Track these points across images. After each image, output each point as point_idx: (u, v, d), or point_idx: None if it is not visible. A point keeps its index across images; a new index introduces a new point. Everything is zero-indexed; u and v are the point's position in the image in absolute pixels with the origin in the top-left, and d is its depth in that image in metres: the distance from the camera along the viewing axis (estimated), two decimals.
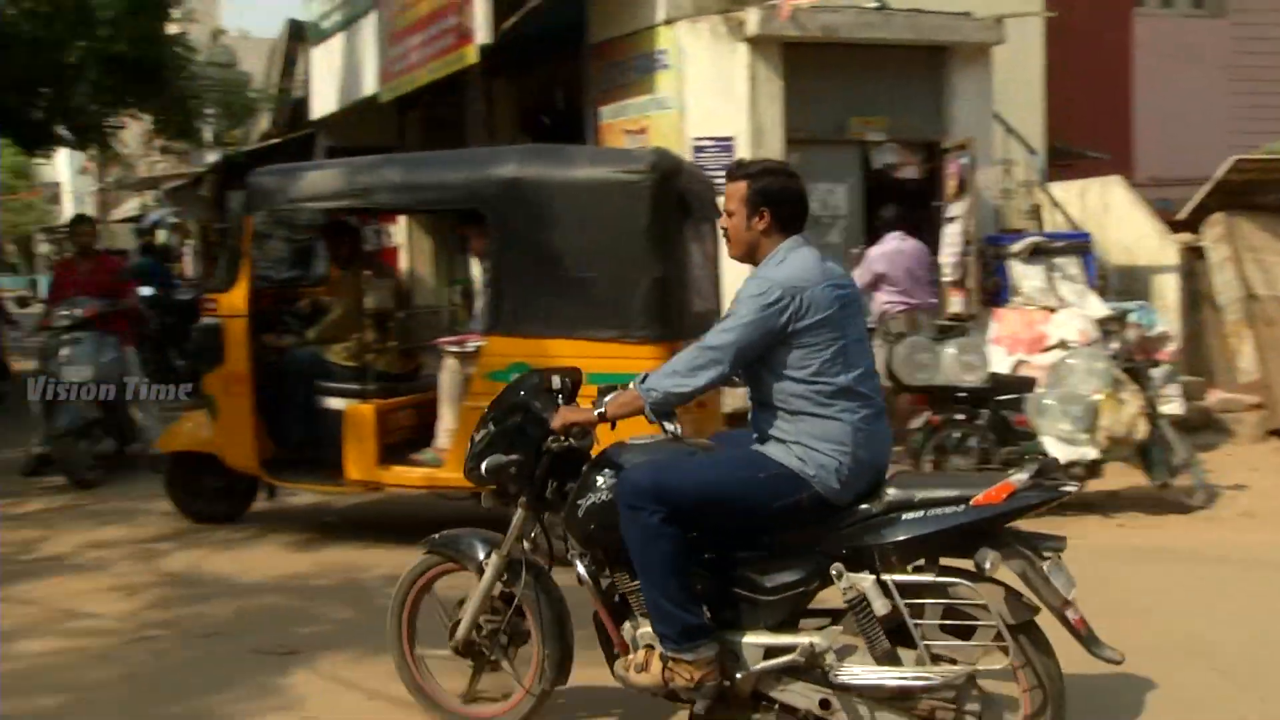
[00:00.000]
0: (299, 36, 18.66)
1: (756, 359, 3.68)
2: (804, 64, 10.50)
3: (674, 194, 6.40)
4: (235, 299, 7.18)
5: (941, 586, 3.49)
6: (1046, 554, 3.48)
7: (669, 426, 3.70)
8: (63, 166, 47.11)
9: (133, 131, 21.45)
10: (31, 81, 13.84)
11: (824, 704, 3.62)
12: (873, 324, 9.71)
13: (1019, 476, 3.48)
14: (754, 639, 3.67)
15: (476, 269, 7.60)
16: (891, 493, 3.61)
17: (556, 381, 3.98)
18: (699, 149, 10.28)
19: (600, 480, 3.80)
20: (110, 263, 10.36)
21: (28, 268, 45.04)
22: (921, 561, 3.57)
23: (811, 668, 3.62)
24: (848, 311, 3.72)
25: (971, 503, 3.46)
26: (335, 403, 7.17)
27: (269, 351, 7.42)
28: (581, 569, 3.92)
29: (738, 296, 3.70)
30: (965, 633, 3.50)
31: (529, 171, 6.44)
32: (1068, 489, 3.54)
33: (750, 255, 3.82)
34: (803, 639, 3.64)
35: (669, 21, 10.58)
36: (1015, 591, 3.50)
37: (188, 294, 14.39)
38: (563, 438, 3.83)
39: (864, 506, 3.62)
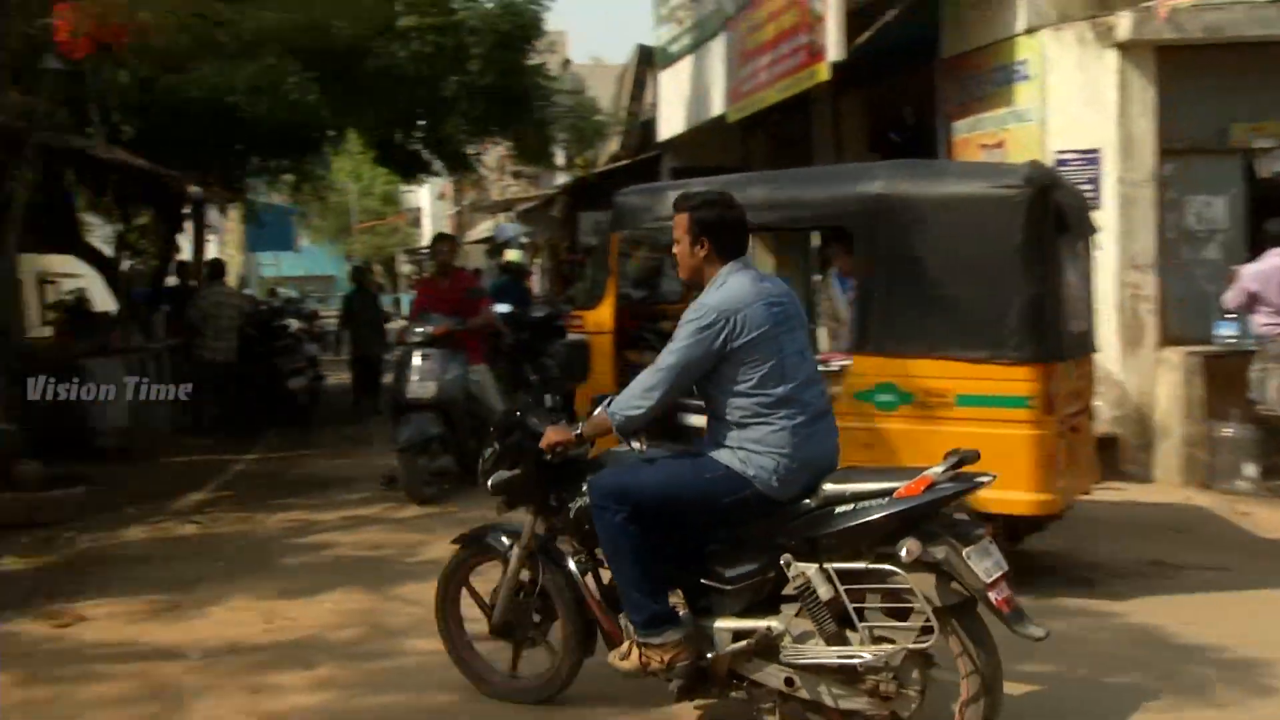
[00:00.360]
0: (648, 61, 19.38)
1: (702, 377, 4.06)
2: (1181, 68, 9.76)
3: (1050, 209, 6.07)
4: (602, 315, 7.42)
5: (876, 573, 3.82)
6: (974, 539, 3.73)
7: (634, 445, 4.28)
8: (424, 193, 51.44)
9: (488, 157, 23.03)
10: (411, 116, 15.20)
11: (789, 682, 4.00)
12: (1255, 346, 8.89)
13: (936, 470, 3.78)
14: (723, 624, 4.09)
15: (832, 287, 7.55)
16: (828, 488, 3.96)
17: (549, 401, 4.58)
18: (1061, 162, 9.77)
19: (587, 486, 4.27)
20: (464, 280, 10.39)
21: (392, 287, 49.31)
22: (863, 550, 3.87)
23: (772, 649, 4.00)
24: (785, 327, 4.09)
25: (894, 495, 3.78)
26: (694, 419, 7.27)
27: (632, 367, 7.62)
28: (574, 567, 4.45)
29: (680, 322, 4.06)
30: (902, 615, 3.83)
31: (898, 187, 6.28)
32: (983, 480, 3.83)
33: (697, 279, 4.21)
34: (762, 623, 4.02)
35: (1030, 31, 10.14)
36: (949, 577, 3.75)
37: (540, 311, 15.23)
38: (550, 454, 4.30)
39: (805, 502, 3.97)
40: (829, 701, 3.96)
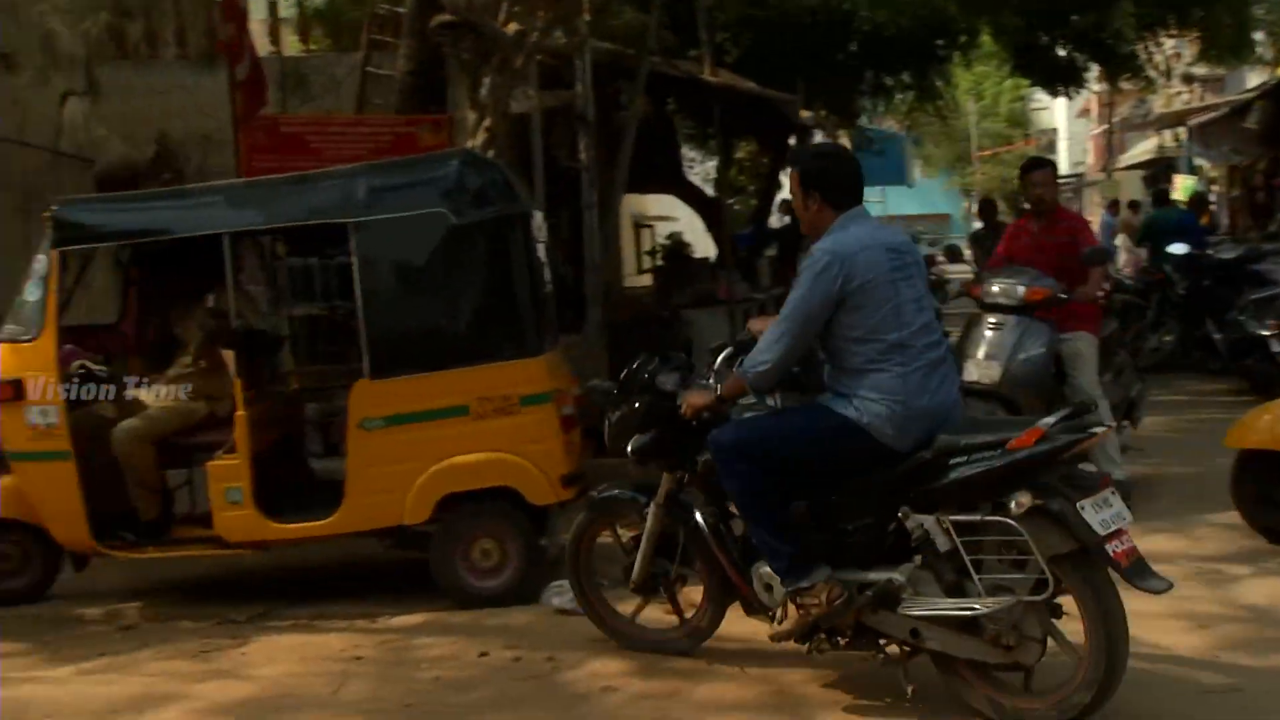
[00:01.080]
0: None
1: (824, 324, 4.44)
2: None
3: None
4: None
5: (991, 525, 4.24)
6: (1091, 491, 4.17)
7: (770, 401, 4.70)
8: (1059, 111, 49.28)
9: (1157, 57, 21.15)
10: (1063, 11, 14.19)
11: (914, 633, 4.42)
12: None
13: (1047, 420, 4.23)
14: (848, 575, 4.48)
15: None
16: (942, 440, 4.35)
17: (675, 359, 5.07)
18: None
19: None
20: (1069, 224, 8.00)
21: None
22: (979, 502, 4.29)
23: (895, 600, 4.40)
24: (903, 274, 4.48)
25: (1006, 447, 4.22)
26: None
27: None
28: (701, 520, 4.93)
29: (799, 273, 4.49)
30: (1020, 565, 4.25)
31: None
32: (1096, 430, 4.34)
33: (815, 232, 4.61)
34: (883, 575, 4.42)
35: None
36: (1047, 525, 4.17)
37: (1230, 251, 13.53)
38: (691, 417, 4.74)
39: (922, 453, 4.36)
40: (954, 652, 4.40)
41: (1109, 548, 4.10)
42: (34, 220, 6.68)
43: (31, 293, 6.43)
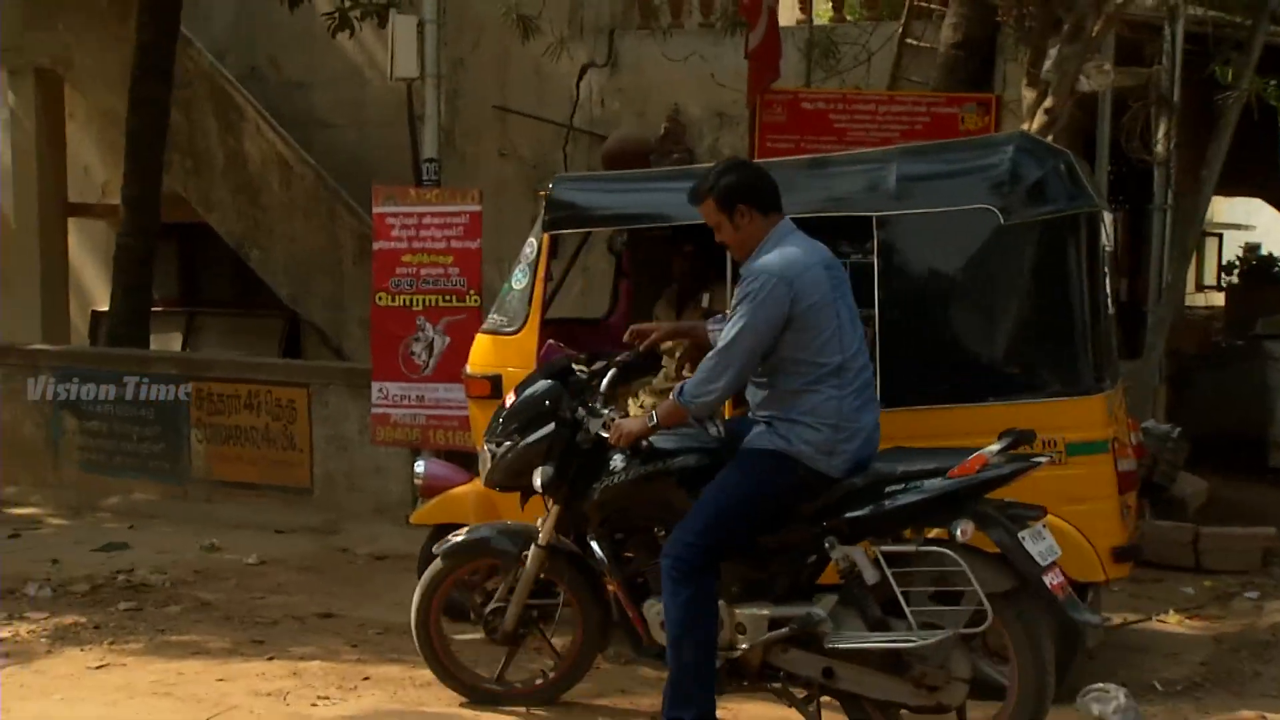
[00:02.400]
0: None
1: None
2: None
3: None
4: None
5: (926, 555, 4.36)
6: (1029, 522, 4.30)
7: (711, 430, 4.76)
8: None
9: None
10: None
11: (827, 672, 4.52)
12: None
13: (991, 449, 4.34)
14: (759, 610, 4.60)
15: None
16: (877, 466, 4.50)
17: (578, 381, 5.01)
18: None
19: (616, 464, 4.80)
20: None
21: None
22: (909, 532, 4.47)
23: (811, 637, 4.51)
24: (839, 292, 4.61)
25: (948, 475, 4.33)
26: None
27: None
28: (599, 550, 4.97)
29: (737, 295, 4.55)
30: (953, 599, 4.38)
31: None
32: (1039, 460, 4.47)
33: (746, 251, 4.65)
34: (800, 609, 4.55)
35: None
36: (1002, 560, 4.31)
37: None
38: (625, 448, 4.76)
39: (852, 480, 4.48)
40: (870, 692, 4.48)
41: (1046, 579, 4.24)
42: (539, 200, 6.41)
43: (518, 280, 6.14)
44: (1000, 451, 4.37)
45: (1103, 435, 5.27)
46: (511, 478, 5.08)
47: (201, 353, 10.59)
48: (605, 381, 5.00)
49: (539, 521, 5.14)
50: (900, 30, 10.21)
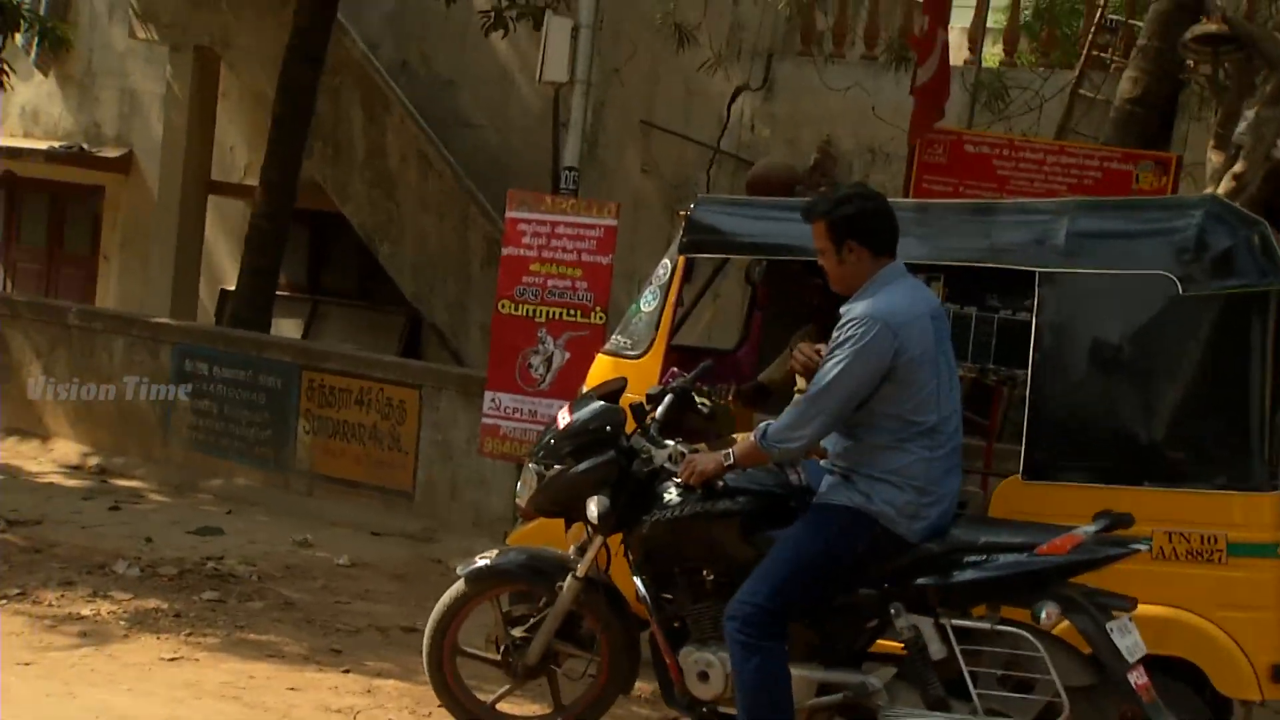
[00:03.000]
0: None
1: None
2: None
3: None
4: None
5: (1001, 635, 4.10)
6: (1115, 613, 3.99)
7: (792, 476, 4.50)
8: None
9: None
10: None
11: None
12: None
13: (1086, 529, 4.04)
14: (808, 673, 4.31)
15: None
16: (956, 534, 4.20)
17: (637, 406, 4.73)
18: None
19: (671, 496, 4.48)
20: None
21: None
22: (983, 609, 4.18)
23: (862, 707, 4.26)
24: (942, 347, 4.32)
25: (1035, 551, 4.04)
26: None
27: None
28: (642, 587, 4.58)
29: (835, 339, 4.20)
30: (1023, 687, 4.15)
31: None
32: (1138, 547, 4.13)
33: (851, 289, 4.32)
34: (856, 677, 4.30)
35: None
36: (1078, 651, 4.07)
37: None
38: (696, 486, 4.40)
39: (928, 545, 4.16)
40: None
41: (1131, 677, 3.97)
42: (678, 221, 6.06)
43: (648, 301, 5.77)
44: (1096, 532, 4.08)
45: (1272, 538, 4.70)
46: (558, 504, 4.79)
47: (319, 343, 10.40)
48: (662, 408, 4.74)
49: (571, 549, 4.82)
50: (1074, 80, 9.72)
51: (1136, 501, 4.71)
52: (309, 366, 9.19)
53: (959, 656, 4.15)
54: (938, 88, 7.58)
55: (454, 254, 11.49)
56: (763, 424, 4.38)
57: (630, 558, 4.72)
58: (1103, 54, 9.83)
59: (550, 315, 7.96)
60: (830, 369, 4.19)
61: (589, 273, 7.88)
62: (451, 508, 8.75)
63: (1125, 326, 4.90)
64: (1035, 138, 7.97)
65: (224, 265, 14.36)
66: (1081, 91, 9.69)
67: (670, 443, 4.62)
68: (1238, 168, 6.31)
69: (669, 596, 4.65)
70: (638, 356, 5.71)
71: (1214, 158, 6.81)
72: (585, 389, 5.94)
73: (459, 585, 4.97)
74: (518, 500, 4.97)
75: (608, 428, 4.66)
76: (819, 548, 4.27)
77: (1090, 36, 9.98)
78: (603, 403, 4.77)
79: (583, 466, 4.64)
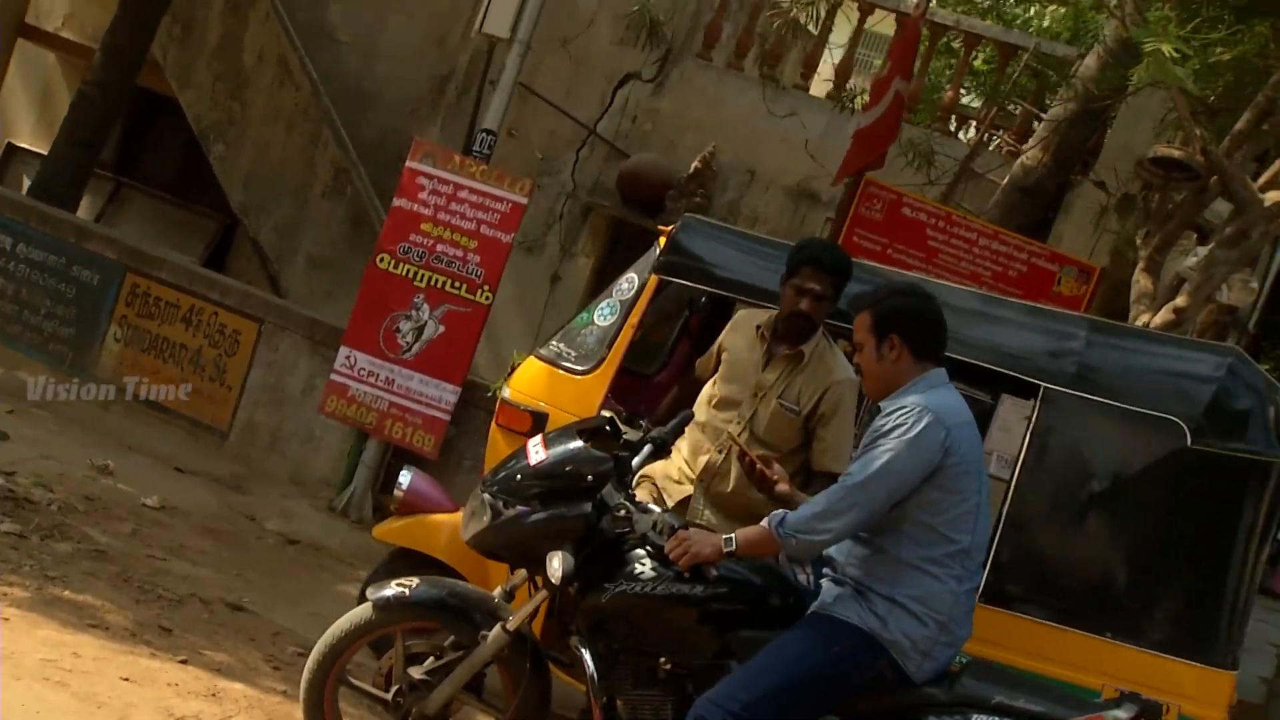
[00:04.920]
0: None
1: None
2: None
3: None
4: None
5: None
6: None
7: (801, 577, 3.94)
8: None
9: None
10: None
11: None
12: None
13: (1115, 714, 3.50)
14: None
15: None
16: (967, 683, 3.68)
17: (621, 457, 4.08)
18: None
19: (644, 569, 3.88)
20: None
21: None
22: None
23: None
24: (980, 465, 3.80)
25: None
26: None
27: None
28: (590, 663, 3.95)
29: (877, 428, 3.70)
30: None
31: None
32: None
33: (886, 391, 3.85)
34: None
35: None
36: None
37: None
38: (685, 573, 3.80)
39: (932, 689, 3.68)
40: None
41: None
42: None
43: (603, 315, 5.12)
44: (1125, 718, 3.53)
45: (1222, 717, 4.43)
46: (509, 548, 4.10)
47: (152, 246, 9.09)
48: (639, 459, 4.22)
49: (497, 592, 4.16)
50: (969, 153, 9.49)
51: (1094, 650, 4.41)
52: (136, 270, 8.04)
53: None
54: (880, 134, 7.13)
55: (296, 174, 10.38)
56: (778, 512, 3.78)
57: (572, 623, 4.08)
58: (997, 133, 9.66)
59: (432, 282, 7.18)
60: (874, 458, 3.66)
61: (485, 247, 7.15)
62: (269, 457, 7.83)
63: (1123, 463, 4.56)
64: (972, 216, 7.60)
65: (16, 118, 12.76)
66: (973, 166, 9.46)
67: (655, 509, 4.00)
68: (1180, 301, 6.09)
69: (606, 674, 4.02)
70: (583, 372, 5.09)
71: (1142, 280, 6.60)
72: (508, 392, 5.25)
73: (364, 611, 4.19)
74: (467, 528, 4.17)
75: (589, 478, 3.98)
76: (814, 666, 3.70)
77: (989, 115, 9.78)
78: (586, 446, 4.06)
79: (552, 512, 3.97)
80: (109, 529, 6.11)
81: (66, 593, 5.13)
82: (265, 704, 4.68)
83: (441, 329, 7.13)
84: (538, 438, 4.21)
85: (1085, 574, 4.58)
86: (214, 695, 4.61)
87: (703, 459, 4.56)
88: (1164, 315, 6.19)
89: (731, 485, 4.50)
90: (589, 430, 4.23)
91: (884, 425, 3.71)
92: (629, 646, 4.00)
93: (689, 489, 4.61)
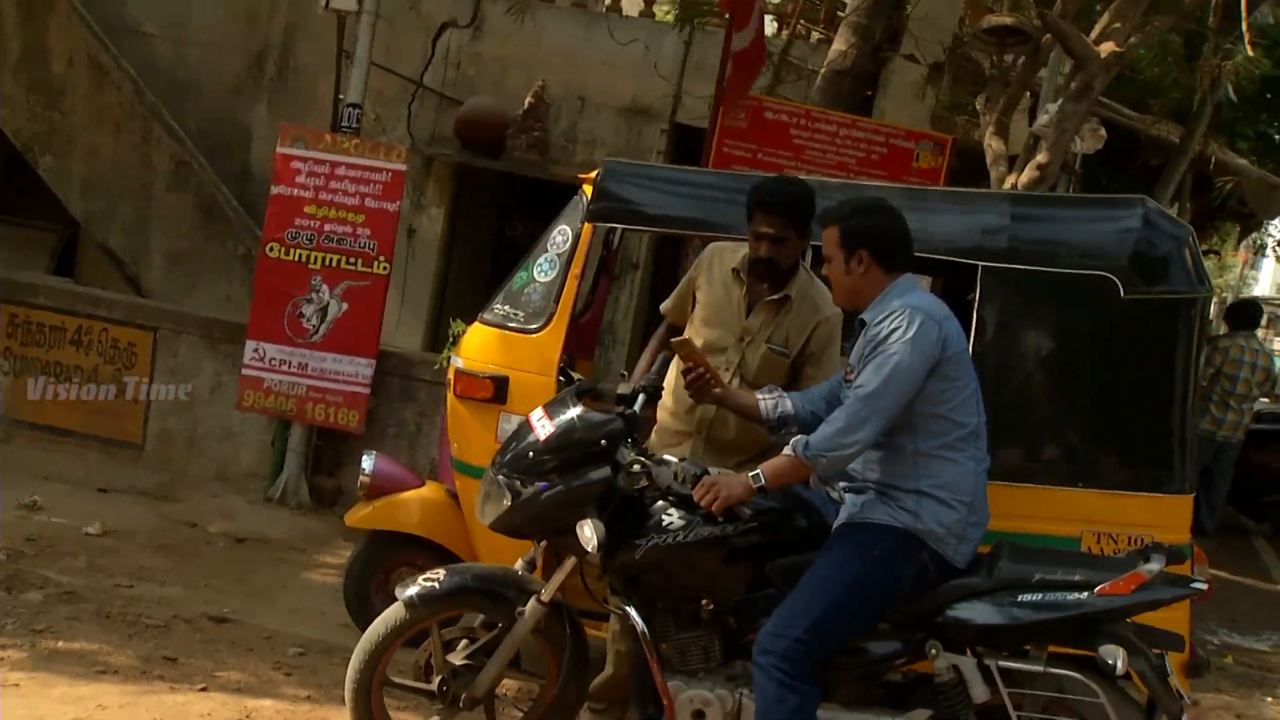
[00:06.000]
0: None
1: None
2: None
3: None
4: None
5: (1054, 678, 3.62)
6: (1166, 655, 3.61)
7: (834, 494, 3.88)
8: None
9: None
10: None
11: None
12: None
13: (1150, 567, 3.53)
14: (827, 715, 3.67)
15: None
16: (1005, 566, 3.65)
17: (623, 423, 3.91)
18: None
19: (672, 518, 3.81)
20: None
21: None
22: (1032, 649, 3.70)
23: None
24: (969, 353, 3.84)
25: (1096, 591, 3.52)
26: None
27: None
28: (638, 619, 3.86)
29: (872, 337, 3.68)
30: None
31: None
32: (1198, 586, 3.65)
33: (855, 302, 3.86)
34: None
35: None
36: (1123, 690, 3.65)
37: None
38: (718, 516, 3.71)
39: (972, 578, 3.66)
40: None
41: None
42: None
43: (542, 271, 4.97)
44: (1159, 569, 3.57)
45: (1186, 539, 4.60)
46: (537, 524, 3.95)
47: (27, 274, 8.42)
48: (638, 408, 4.06)
49: (519, 564, 4.09)
50: (783, 47, 9.51)
51: (1068, 503, 4.55)
52: (10, 300, 7.47)
53: (1007, 701, 3.65)
54: (754, 56, 7.04)
55: (134, 173, 9.78)
56: (799, 438, 3.71)
57: (611, 581, 4.00)
58: (809, 25, 9.69)
59: (327, 262, 6.90)
60: (882, 363, 3.62)
61: (373, 219, 6.88)
62: (191, 461, 7.47)
63: (1066, 326, 4.67)
64: (832, 110, 7.61)
65: None
66: (790, 58, 9.48)
67: (671, 459, 3.92)
68: (1041, 158, 6.25)
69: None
70: (535, 330, 4.95)
71: (994, 144, 6.76)
72: (462, 362, 5.07)
73: (397, 611, 4.05)
74: (485, 512, 4.01)
75: (603, 441, 3.86)
76: (863, 574, 3.66)
77: (796, 9, 9.78)
78: (589, 410, 3.95)
79: (574, 484, 3.84)
80: (65, 567, 5.76)
81: (60, 643, 4.84)
82: (299, 714, 4.50)
83: (345, 306, 6.86)
84: (539, 410, 4.07)
85: (1047, 434, 4.68)
86: (249, 718, 4.39)
87: (698, 410, 4.42)
88: (1029, 173, 6.34)
89: (733, 431, 4.39)
90: (585, 391, 4.11)
91: (879, 333, 3.68)
92: (668, 594, 3.93)
93: (683, 446, 4.45)
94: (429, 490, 5.34)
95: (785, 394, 4.12)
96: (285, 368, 6.91)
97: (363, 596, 5.30)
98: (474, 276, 11.16)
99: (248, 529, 6.75)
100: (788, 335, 4.39)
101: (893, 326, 3.65)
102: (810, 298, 4.42)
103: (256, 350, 6.92)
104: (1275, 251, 19.40)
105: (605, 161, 5.03)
